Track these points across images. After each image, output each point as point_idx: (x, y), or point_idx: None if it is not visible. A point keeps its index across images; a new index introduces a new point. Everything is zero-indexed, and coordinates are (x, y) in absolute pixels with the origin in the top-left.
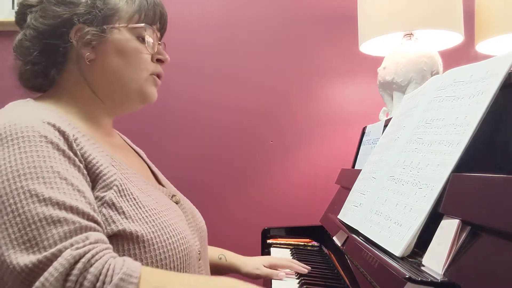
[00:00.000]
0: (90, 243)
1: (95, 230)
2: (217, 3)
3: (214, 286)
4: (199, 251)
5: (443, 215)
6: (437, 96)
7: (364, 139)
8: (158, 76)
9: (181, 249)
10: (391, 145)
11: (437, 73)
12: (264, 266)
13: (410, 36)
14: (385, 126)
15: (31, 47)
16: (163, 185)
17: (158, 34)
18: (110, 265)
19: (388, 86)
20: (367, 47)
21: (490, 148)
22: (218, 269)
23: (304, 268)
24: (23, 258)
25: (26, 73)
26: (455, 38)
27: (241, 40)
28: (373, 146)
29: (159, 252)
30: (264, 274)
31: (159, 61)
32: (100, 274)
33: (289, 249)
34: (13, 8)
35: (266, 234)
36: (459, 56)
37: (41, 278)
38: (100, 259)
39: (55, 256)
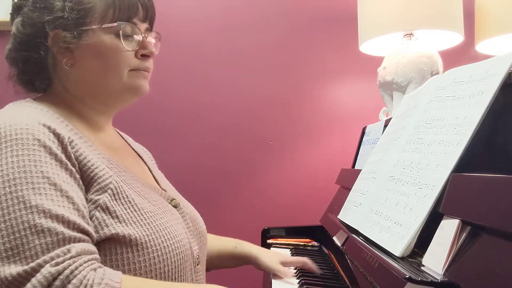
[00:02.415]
0: (71, 257)
1: (79, 240)
2: (217, 4)
3: None
4: (198, 255)
5: (443, 215)
6: (437, 96)
7: (364, 139)
8: (145, 70)
9: (176, 253)
10: (391, 145)
11: (437, 73)
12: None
13: (410, 36)
14: (385, 126)
15: (16, 57)
16: (163, 188)
17: (144, 25)
18: (88, 280)
19: (388, 86)
20: (367, 47)
21: (490, 148)
22: (234, 259)
23: (316, 270)
24: (4, 268)
25: (18, 81)
26: (455, 38)
27: (240, 40)
28: (373, 146)
29: (153, 256)
30: (275, 270)
31: (145, 55)
32: None
33: (289, 249)
34: None
35: (266, 234)
36: (459, 56)
37: None
38: (79, 274)
39: (34, 271)
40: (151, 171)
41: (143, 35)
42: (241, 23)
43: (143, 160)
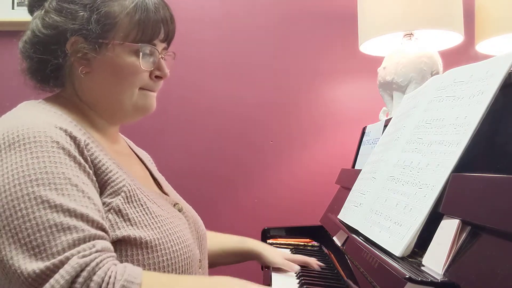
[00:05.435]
0: (97, 251)
1: (102, 238)
2: (215, 5)
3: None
4: (200, 259)
5: (443, 215)
6: (437, 96)
7: (364, 139)
8: (155, 91)
9: (185, 257)
10: (391, 145)
11: (437, 73)
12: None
13: (410, 36)
14: (385, 126)
15: (32, 54)
16: (165, 193)
17: (162, 45)
18: (112, 272)
19: (388, 86)
20: (367, 47)
21: (490, 148)
22: (238, 255)
23: (318, 266)
24: (31, 265)
25: (32, 77)
26: (455, 38)
27: (239, 41)
28: (373, 146)
29: (163, 259)
30: (281, 265)
31: (158, 77)
32: (102, 282)
33: (289, 249)
34: (13, 8)
35: (266, 234)
36: (459, 56)
37: (47, 285)
38: (103, 266)
39: (62, 263)
40: (152, 176)
41: (160, 55)
42: (240, 24)
43: (145, 165)
